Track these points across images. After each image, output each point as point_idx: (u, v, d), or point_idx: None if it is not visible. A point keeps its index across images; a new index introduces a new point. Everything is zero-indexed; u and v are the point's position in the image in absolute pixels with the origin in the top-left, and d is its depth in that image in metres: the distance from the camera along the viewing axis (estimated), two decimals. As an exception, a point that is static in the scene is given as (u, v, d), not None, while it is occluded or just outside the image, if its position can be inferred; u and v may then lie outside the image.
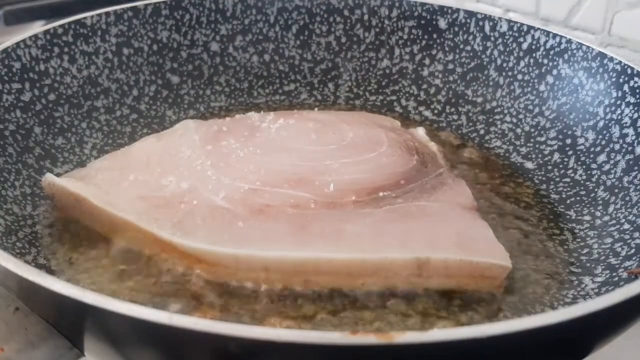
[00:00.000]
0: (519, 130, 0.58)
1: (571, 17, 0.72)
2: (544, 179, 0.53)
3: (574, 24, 0.72)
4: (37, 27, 0.54)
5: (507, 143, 0.58)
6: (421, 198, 0.45)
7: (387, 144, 0.48)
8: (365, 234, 0.40)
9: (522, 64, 0.59)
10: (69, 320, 0.33)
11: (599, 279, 0.42)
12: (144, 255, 0.42)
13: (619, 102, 0.51)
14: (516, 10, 0.76)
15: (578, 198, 0.50)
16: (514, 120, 0.59)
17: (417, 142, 0.51)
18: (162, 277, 0.40)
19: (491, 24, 0.61)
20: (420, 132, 0.55)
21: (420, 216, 0.43)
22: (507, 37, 0.60)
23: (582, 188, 0.50)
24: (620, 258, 0.43)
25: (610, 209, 0.47)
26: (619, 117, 0.51)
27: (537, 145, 0.56)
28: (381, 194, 0.44)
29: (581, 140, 0.53)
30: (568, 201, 0.50)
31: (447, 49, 0.63)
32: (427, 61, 0.64)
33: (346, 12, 0.66)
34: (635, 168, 0.48)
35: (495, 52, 0.61)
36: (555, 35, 0.57)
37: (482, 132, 0.59)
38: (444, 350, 0.26)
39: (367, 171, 0.45)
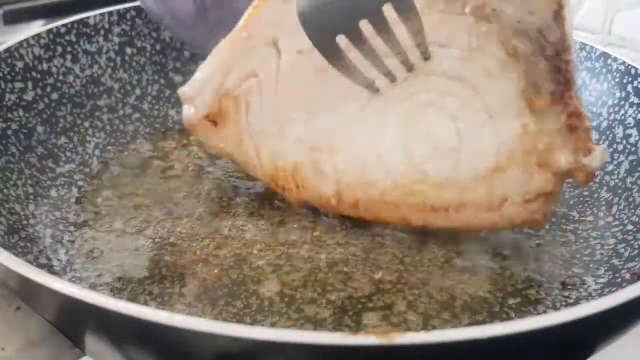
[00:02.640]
0: (521, 131, 0.57)
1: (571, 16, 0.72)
2: (546, 179, 0.53)
3: (574, 24, 0.72)
4: (37, 27, 0.54)
5: (510, 143, 0.57)
6: None
7: None
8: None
9: (525, 64, 0.59)
10: (70, 320, 0.33)
11: (601, 280, 0.42)
12: (145, 266, 0.42)
13: (622, 102, 0.51)
14: (519, 10, 0.76)
15: (581, 199, 0.50)
16: (517, 120, 0.58)
17: None
18: (161, 271, 0.41)
19: (494, 24, 0.60)
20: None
21: None
22: (510, 37, 0.60)
23: (585, 189, 0.50)
24: (623, 259, 0.43)
25: (614, 209, 0.47)
26: (623, 117, 0.51)
27: (540, 146, 0.56)
28: None
29: (584, 141, 0.53)
30: (571, 202, 0.50)
31: (450, 49, 0.63)
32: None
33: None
34: (639, 169, 0.48)
35: (498, 52, 0.60)
36: (558, 36, 0.57)
37: (484, 132, 0.59)
38: (444, 350, 0.26)
39: None
